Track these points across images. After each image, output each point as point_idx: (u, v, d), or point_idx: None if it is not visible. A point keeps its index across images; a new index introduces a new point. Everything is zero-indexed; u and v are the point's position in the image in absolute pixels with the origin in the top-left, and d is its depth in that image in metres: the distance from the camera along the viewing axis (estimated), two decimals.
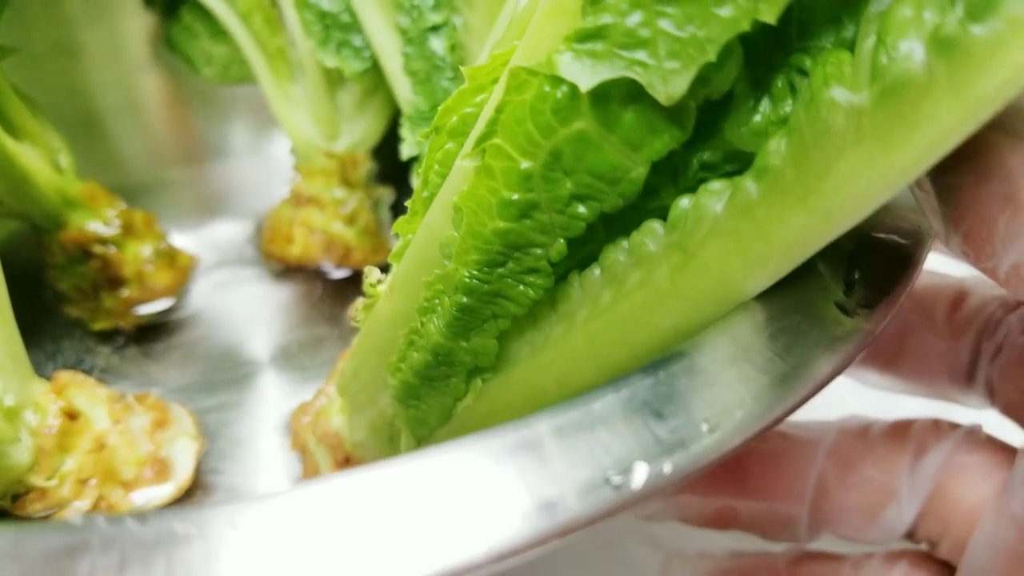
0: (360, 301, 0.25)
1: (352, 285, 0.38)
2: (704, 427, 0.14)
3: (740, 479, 0.24)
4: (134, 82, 0.41)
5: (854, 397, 0.33)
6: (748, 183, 0.15)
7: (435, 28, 0.31)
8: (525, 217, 0.17)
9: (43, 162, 0.34)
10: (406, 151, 0.33)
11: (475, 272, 0.18)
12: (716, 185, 0.15)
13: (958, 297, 0.25)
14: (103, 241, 0.35)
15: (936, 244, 0.20)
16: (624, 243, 0.17)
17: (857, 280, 0.17)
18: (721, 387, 0.16)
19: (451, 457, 0.14)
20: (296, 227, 0.37)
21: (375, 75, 0.36)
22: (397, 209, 0.40)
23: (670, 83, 0.14)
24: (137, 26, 0.41)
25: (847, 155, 0.13)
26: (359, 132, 0.38)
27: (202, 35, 0.39)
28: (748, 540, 0.25)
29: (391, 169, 0.39)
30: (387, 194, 0.39)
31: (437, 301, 0.20)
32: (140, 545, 0.12)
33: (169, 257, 0.36)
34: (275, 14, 0.37)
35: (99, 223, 0.35)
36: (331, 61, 0.36)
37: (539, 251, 0.17)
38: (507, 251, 0.17)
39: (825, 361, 0.16)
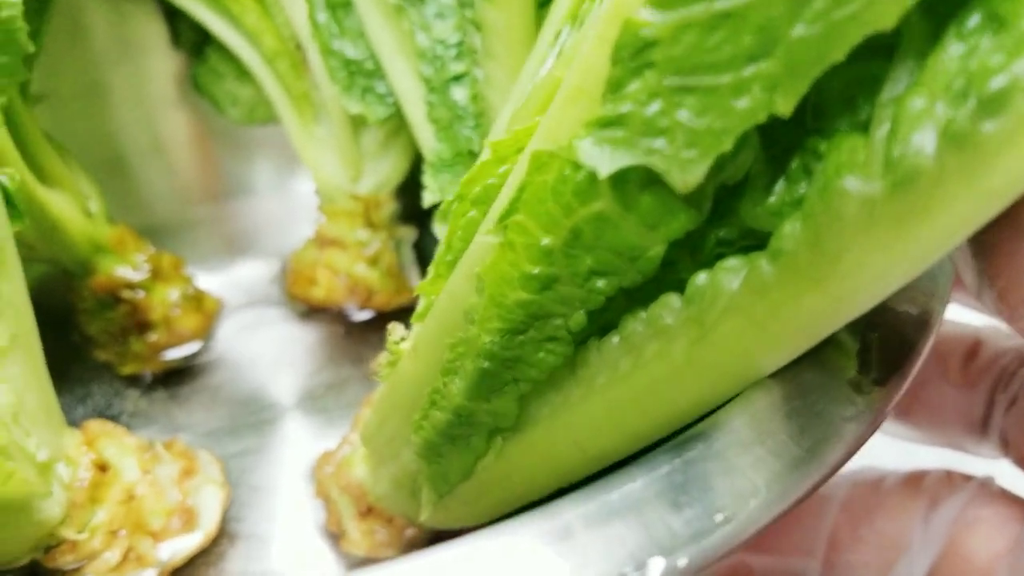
0: (383, 357, 0.25)
1: (375, 326, 0.38)
2: (719, 518, 0.14)
3: None
4: (160, 122, 0.42)
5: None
6: (763, 263, 0.15)
7: (457, 78, 0.31)
8: (546, 289, 0.17)
9: (73, 208, 0.35)
10: (428, 199, 0.33)
11: (496, 339, 0.18)
12: (733, 262, 0.16)
13: (973, 347, 0.25)
14: (131, 286, 0.35)
15: (954, 293, 0.21)
16: (642, 314, 0.17)
17: (870, 355, 0.18)
18: (736, 474, 0.16)
19: (493, 544, 0.14)
20: (320, 269, 0.38)
21: (398, 119, 0.37)
22: (419, 248, 0.40)
23: (687, 171, 0.14)
24: (163, 67, 0.42)
25: (860, 241, 0.14)
26: (383, 173, 0.38)
27: (228, 76, 0.40)
28: None
29: (413, 208, 0.40)
30: (409, 233, 0.40)
31: (459, 363, 0.20)
32: None
33: (196, 301, 0.37)
34: (300, 57, 0.37)
35: (128, 268, 0.35)
36: (355, 107, 0.36)
37: (559, 321, 0.18)
38: (528, 320, 0.18)
39: (838, 444, 0.17)
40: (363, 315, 0.39)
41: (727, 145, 0.14)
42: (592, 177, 0.15)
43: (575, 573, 0.14)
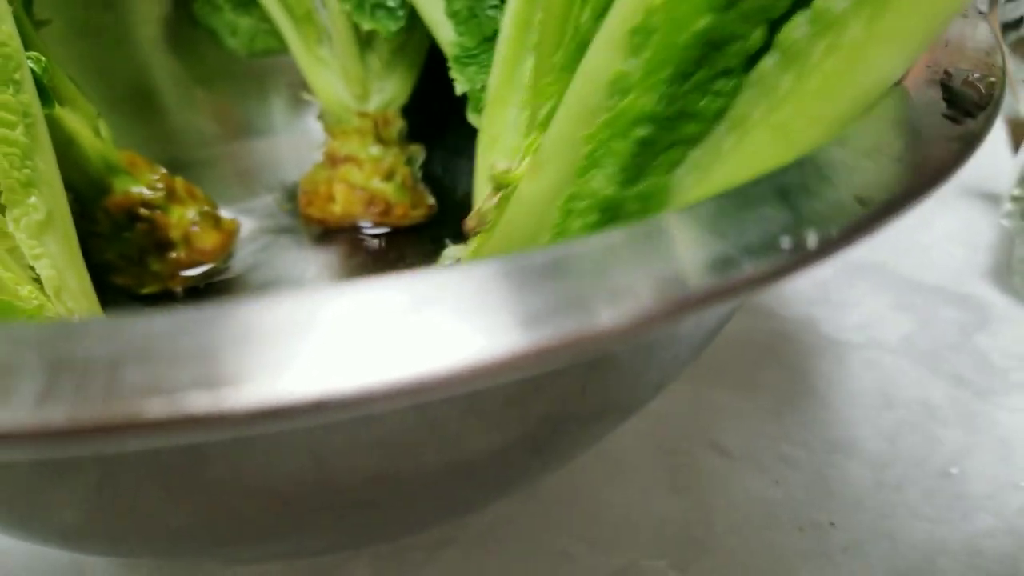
0: (483, 206, 0.25)
1: (391, 242, 0.38)
2: (858, 203, 0.15)
3: None
4: (152, 65, 0.41)
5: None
6: None
7: None
8: (732, 6, 0.17)
9: (86, 127, 0.34)
10: (459, 88, 0.33)
11: (663, 91, 0.18)
12: None
13: None
14: (149, 204, 0.35)
15: None
16: (801, 18, 0.17)
17: (953, 99, 0.19)
18: (868, 172, 0.17)
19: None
20: (336, 185, 0.38)
21: (403, 35, 0.37)
22: (427, 168, 0.41)
23: None
24: (154, 10, 0.41)
25: None
26: (389, 91, 0.38)
27: (225, 8, 0.40)
28: None
29: (419, 128, 0.40)
30: (419, 151, 0.40)
31: (602, 152, 0.20)
32: None
33: (214, 219, 0.36)
34: None
35: (143, 187, 0.35)
36: (368, 24, 0.36)
37: (738, 45, 0.17)
38: (704, 53, 0.18)
39: (953, 154, 0.18)
40: (377, 231, 0.38)
41: None
42: None
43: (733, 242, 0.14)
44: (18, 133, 0.24)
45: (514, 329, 0.12)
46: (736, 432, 0.32)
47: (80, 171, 0.34)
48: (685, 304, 0.14)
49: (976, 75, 0.21)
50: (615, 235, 0.14)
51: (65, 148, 0.33)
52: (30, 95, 0.26)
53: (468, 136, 0.40)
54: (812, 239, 0.15)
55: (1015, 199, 0.39)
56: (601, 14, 0.20)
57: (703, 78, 0.18)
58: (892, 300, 0.38)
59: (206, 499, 0.19)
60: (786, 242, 0.15)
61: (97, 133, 0.35)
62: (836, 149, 0.17)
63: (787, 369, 0.35)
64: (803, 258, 0.15)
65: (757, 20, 0.17)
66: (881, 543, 0.28)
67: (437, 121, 0.40)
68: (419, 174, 0.40)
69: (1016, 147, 0.47)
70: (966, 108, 0.19)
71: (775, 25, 0.18)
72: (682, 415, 0.32)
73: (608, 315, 0.13)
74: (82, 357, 0.12)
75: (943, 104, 0.20)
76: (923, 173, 0.17)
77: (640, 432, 0.31)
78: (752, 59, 0.18)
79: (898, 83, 0.19)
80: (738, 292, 0.14)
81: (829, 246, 0.15)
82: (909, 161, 0.17)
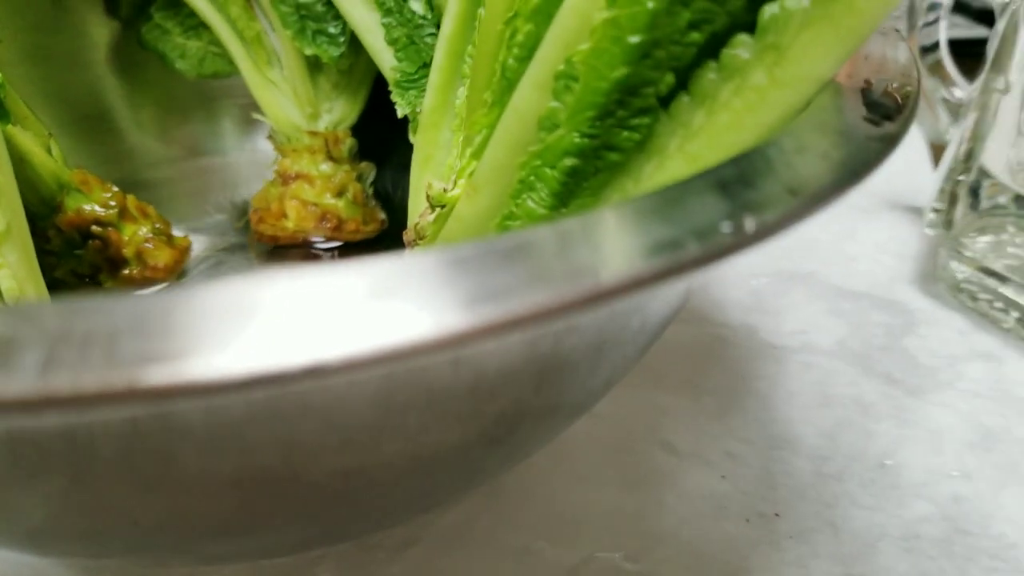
0: (420, 221, 0.26)
1: (343, 257, 0.39)
2: (790, 193, 0.17)
3: None
4: (103, 88, 0.42)
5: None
6: None
7: None
8: (646, 57, 0.19)
9: (37, 146, 0.34)
10: (400, 112, 0.34)
11: (586, 130, 0.20)
12: None
13: None
14: (101, 222, 0.35)
15: None
16: (712, 64, 0.19)
17: (873, 105, 0.21)
18: (795, 168, 0.18)
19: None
20: (288, 201, 0.38)
21: (351, 56, 0.38)
22: (378, 184, 0.41)
23: None
24: (102, 34, 0.42)
25: None
26: (339, 111, 0.39)
27: (174, 32, 0.40)
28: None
29: (370, 147, 0.41)
30: (369, 168, 0.41)
31: (534, 178, 0.22)
32: None
33: (166, 237, 0.37)
34: (249, 3, 0.38)
35: (96, 205, 0.35)
36: (309, 49, 0.37)
37: (651, 89, 0.19)
38: (622, 97, 0.19)
39: (874, 151, 0.19)
40: (329, 247, 0.39)
41: None
42: None
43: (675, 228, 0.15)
44: None
45: (459, 308, 0.13)
46: (683, 431, 0.33)
47: (31, 189, 0.34)
48: (638, 281, 0.15)
49: (895, 85, 0.23)
50: (569, 222, 0.15)
51: (16, 166, 0.33)
52: None
53: None
54: (750, 224, 0.16)
55: (937, 211, 0.41)
56: (526, 57, 0.22)
57: (623, 116, 0.20)
58: (824, 307, 0.40)
59: (174, 492, 0.20)
60: (726, 226, 0.16)
61: (48, 152, 0.35)
62: (769, 148, 0.18)
63: (728, 372, 0.36)
64: (743, 240, 0.16)
65: (667, 67, 0.19)
66: (824, 531, 0.29)
67: (387, 139, 0.41)
68: (370, 191, 0.41)
69: (936, 164, 0.49)
70: (886, 112, 0.21)
71: (683, 71, 0.20)
72: (630, 417, 0.33)
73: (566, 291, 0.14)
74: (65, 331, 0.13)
75: (864, 109, 0.21)
76: (848, 168, 0.19)
77: (591, 434, 0.32)
78: (664, 99, 0.20)
79: (826, 89, 0.20)
80: (685, 270, 0.15)
81: (766, 230, 0.16)
82: (835, 158, 0.19)
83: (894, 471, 0.31)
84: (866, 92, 0.22)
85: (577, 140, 0.20)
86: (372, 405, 0.19)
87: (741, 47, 0.19)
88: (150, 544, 0.23)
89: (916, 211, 0.48)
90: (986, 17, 0.72)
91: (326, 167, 0.39)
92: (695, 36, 0.19)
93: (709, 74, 0.19)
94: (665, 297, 0.24)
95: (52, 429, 0.17)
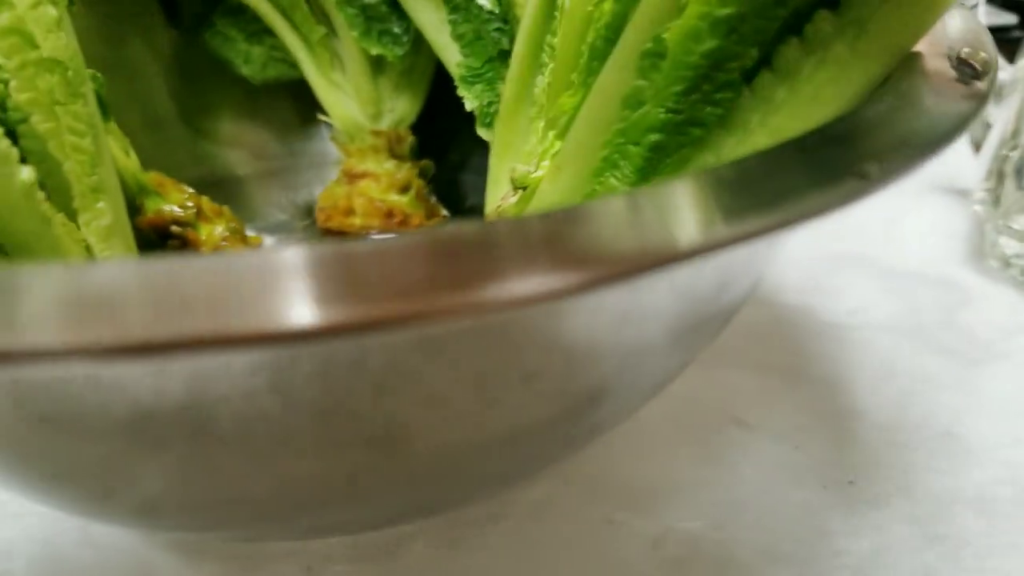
0: (502, 203, 0.27)
1: None
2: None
3: None
4: (156, 97, 0.43)
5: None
6: None
7: None
8: (732, 32, 0.20)
9: (117, 149, 0.35)
10: (468, 105, 0.35)
11: (672, 105, 0.21)
12: None
13: None
14: (180, 223, 0.36)
15: None
16: (793, 41, 0.20)
17: (959, 68, 0.22)
18: (889, 128, 0.19)
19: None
20: (356, 199, 0.39)
21: (411, 58, 0.40)
22: (437, 182, 0.43)
23: None
24: (163, 41, 0.43)
25: None
26: (400, 110, 0.41)
27: (238, 39, 0.42)
28: None
29: (427, 145, 0.42)
30: (430, 166, 0.42)
31: (618, 156, 0.23)
32: None
33: (241, 236, 0.38)
34: (314, 7, 0.40)
35: (174, 206, 0.36)
36: (375, 49, 0.39)
37: (736, 64, 0.20)
38: (708, 72, 0.21)
39: (969, 106, 0.20)
40: None
41: None
42: None
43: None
44: (87, 142, 0.26)
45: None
46: (752, 407, 0.34)
47: None
48: (713, 244, 0.15)
49: (972, 51, 0.24)
50: (642, 191, 0.16)
51: None
52: (93, 108, 0.27)
53: (472, 151, 0.42)
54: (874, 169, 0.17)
55: (985, 189, 0.42)
56: (612, 38, 0.23)
57: (708, 90, 0.21)
58: (879, 286, 0.41)
59: (286, 461, 0.21)
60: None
61: (127, 155, 0.36)
62: (874, 107, 0.19)
63: (791, 350, 0.37)
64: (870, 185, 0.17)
65: (752, 42, 0.20)
66: (899, 495, 0.30)
67: (442, 137, 0.42)
68: (430, 187, 0.42)
69: (977, 149, 0.50)
70: (974, 73, 0.22)
71: (766, 47, 0.21)
72: (700, 394, 0.34)
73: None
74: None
75: (953, 72, 0.22)
76: (951, 120, 0.20)
77: (664, 412, 0.33)
78: (746, 75, 0.21)
79: (913, 56, 0.21)
80: (788, 224, 0.16)
81: (887, 176, 0.17)
82: (937, 111, 0.20)
83: (962, 438, 0.32)
84: (951, 57, 0.23)
85: (663, 116, 0.22)
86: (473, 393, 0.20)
87: (824, 22, 0.20)
88: (257, 515, 0.24)
89: (960, 193, 0.48)
90: (1015, 6, 0.73)
91: (390, 165, 0.40)
92: (780, 11, 0.20)
93: (792, 49, 0.21)
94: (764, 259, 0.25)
95: (173, 403, 0.18)
